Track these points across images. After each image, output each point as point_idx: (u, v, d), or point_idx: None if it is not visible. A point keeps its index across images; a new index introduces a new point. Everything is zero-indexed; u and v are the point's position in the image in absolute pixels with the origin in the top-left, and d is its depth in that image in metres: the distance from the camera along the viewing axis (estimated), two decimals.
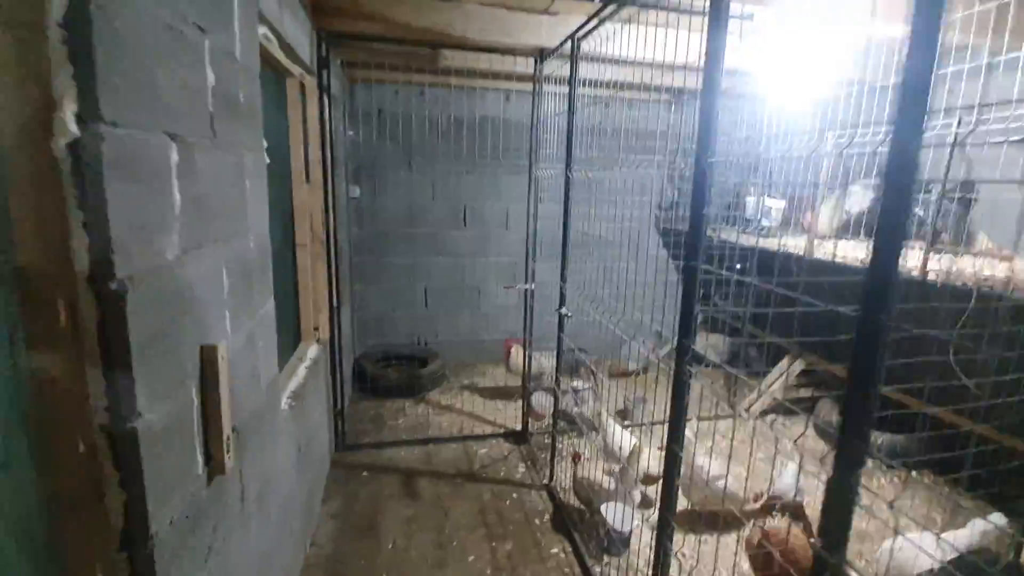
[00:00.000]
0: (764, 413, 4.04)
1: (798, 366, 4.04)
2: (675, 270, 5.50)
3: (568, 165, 2.64)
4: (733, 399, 4.30)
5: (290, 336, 2.69)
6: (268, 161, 1.88)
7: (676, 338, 1.54)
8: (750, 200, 3.76)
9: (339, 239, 3.89)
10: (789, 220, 3.66)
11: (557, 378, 2.89)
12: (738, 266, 3.91)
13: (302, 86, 2.72)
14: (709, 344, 4.93)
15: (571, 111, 2.57)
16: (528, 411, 3.59)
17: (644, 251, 2.55)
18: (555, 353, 2.93)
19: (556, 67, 2.88)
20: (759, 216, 3.70)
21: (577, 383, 3.87)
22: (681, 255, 1.51)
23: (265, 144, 1.85)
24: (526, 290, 3.41)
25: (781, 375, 4.12)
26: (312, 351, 2.87)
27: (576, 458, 2.86)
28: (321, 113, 2.88)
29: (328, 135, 2.98)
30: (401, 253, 4.72)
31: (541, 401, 3.62)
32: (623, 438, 2.77)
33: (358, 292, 4.69)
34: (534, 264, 3.42)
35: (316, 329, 3.03)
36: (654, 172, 4.94)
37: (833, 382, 4.09)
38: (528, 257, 3.42)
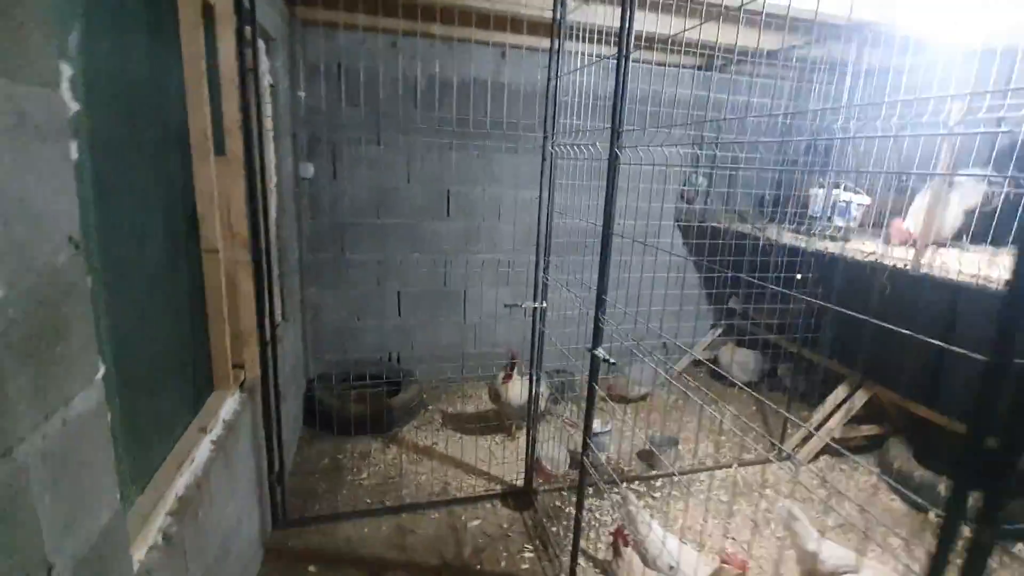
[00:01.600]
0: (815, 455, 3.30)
1: (861, 397, 3.29)
2: (696, 272, 4.76)
3: (615, 137, 1.77)
4: (776, 436, 3.54)
5: (186, 391, 1.76)
6: (77, 107, 0.95)
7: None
8: (817, 193, 2.94)
9: (283, 235, 2.94)
10: (870, 220, 2.87)
11: (586, 443, 2.04)
12: (798, 276, 3.12)
13: (206, 5, 1.75)
14: (736, 361, 4.17)
15: (624, 57, 1.69)
16: (534, 467, 2.75)
17: (657, 251, 2.02)
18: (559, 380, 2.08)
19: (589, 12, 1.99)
20: (827, 213, 2.89)
21: (595, 423, 3.04)
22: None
23: (69, 72, 0.92)
24: (535, 310, 2.55)
25: (837, 407, 3.37)
26: (229, 405, 1.95)
27: (621, 541, 2.03)
28: (241, 54, 1.92)
29: (254, 87, 2.02)
30: (368, 249, 3.77)
31: (552, 455, 2.78)
32: (685, 558, 1.94)
33: (312, 299, 3.74)
34: (545, 275, 2.54)
35: (238, 368, 2.10)
36: (679, 153, 4.10)
37: (899, 415, 3.36)
38: (539, 264, 2.54)
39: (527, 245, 4.11)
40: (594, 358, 1.93)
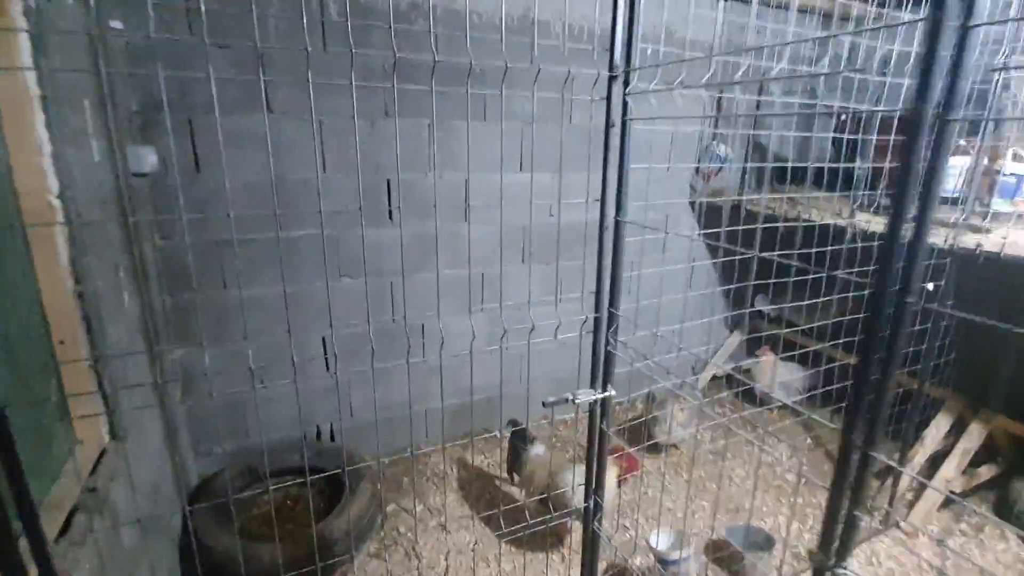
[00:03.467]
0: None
1: (978, 432, 2.49)
2: (716, 268, 3.80)
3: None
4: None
5: None
6: None
7: None
8: (958, 162, 2.00)
9: (91, 287, 1.56)
10: None
11: None
12: (930, 286, 2.19)
13: None
14: (778, 379, 3.29)
15: None
16: None
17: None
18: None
19: None
20: (977, 193, 1.96)
21: (661, 540, 1.98)
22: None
23: None
24: (598, 403, 1.41)
25: (944, 444, 2.56)
26: None
27: None
28: None
29: None
30: (266, 278, 2.42)
31: None
32: None
33: (179, 364, 2.34)
34: (612, 339, 1.41)
35: None
36: (707, 98, 3.08)
37: (1013, 449, 2.61)
38: (602, 322, 1.40)
39: (514, 252, 2.93)
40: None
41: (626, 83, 1.16)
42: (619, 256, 1.25)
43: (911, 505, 2.46)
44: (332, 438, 2.76)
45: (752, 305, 3.56)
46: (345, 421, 2.77)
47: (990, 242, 1.90)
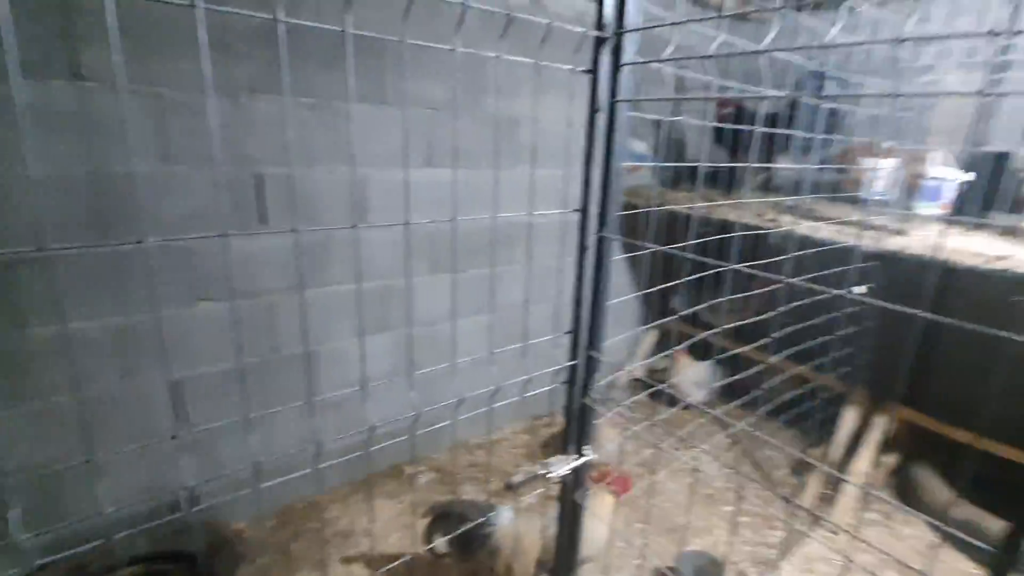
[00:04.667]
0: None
1: (885, 423, 2.59)
2: (633, 269, 3.50)
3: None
4: (779, 486, 2.70)
5: None
6: None
7: None
8: (873, 163, 1.98)
9: None
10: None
11: None
12: (855, 289, 2.17)
13: None
14: (690, 378, 3.26)
15: None
16: None
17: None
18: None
19: None
20: (897, 194, 1.96)
21: None
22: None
23: None
24: (572, 477, 1.09)
25: (854, 436, 2.64)
26: None
27: None
28: None
29: None
30: (89, 309, 1.77)
31: None
32: None
33: None
34: (586, 393, 1.10)
35: None
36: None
37: (910, 436, 2.76)
38: (579, 351, 1.08)
39: (426, 261, 2.51)
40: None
41: (616, 51, 0.84)
42: (604, 283, 0.94)
43: (832, 501, 2.51)
44: (191, 504, 2.15)
45: (670, 306, 3.50)
46: (209, 479, 2.17)
47: (897, 244, 1.91)
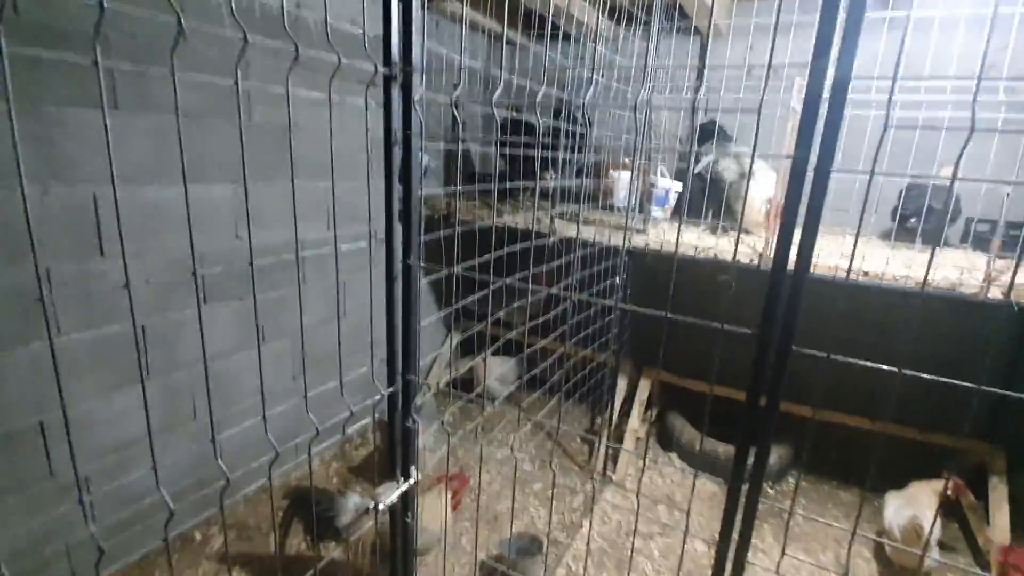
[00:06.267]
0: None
1: (646, 388, 3.14)
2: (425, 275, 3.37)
3: None
4: (579, 457, 3.08)
5: None
6: None
7: None
8: (619, 176, 2.39)
9: None
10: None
11: None
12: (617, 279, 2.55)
13: None
14: (495, 376, 3.48)
15: None
16: None
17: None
18: None
19: None
20: (638, 201, 2.39)
21: None
22: None
23: None
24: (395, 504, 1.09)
25: (627, 399, 3.15)
26: None
27: None
28: None
29: None
30: None
31: None
32: None
33: None
34: (407, 386, 1.11)
35: None
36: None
37: (664, 392, 3.40)
38: (397, 368, 1.08)
39: (198, 290, 2.16)
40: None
41: (405, 87, 0.86)
42: (413, 308, 0.95)
43: (615, 459, 2.95)
44: None
45: (461, 307, 3.66)
46: None
47: (640, 241, 2.37)
